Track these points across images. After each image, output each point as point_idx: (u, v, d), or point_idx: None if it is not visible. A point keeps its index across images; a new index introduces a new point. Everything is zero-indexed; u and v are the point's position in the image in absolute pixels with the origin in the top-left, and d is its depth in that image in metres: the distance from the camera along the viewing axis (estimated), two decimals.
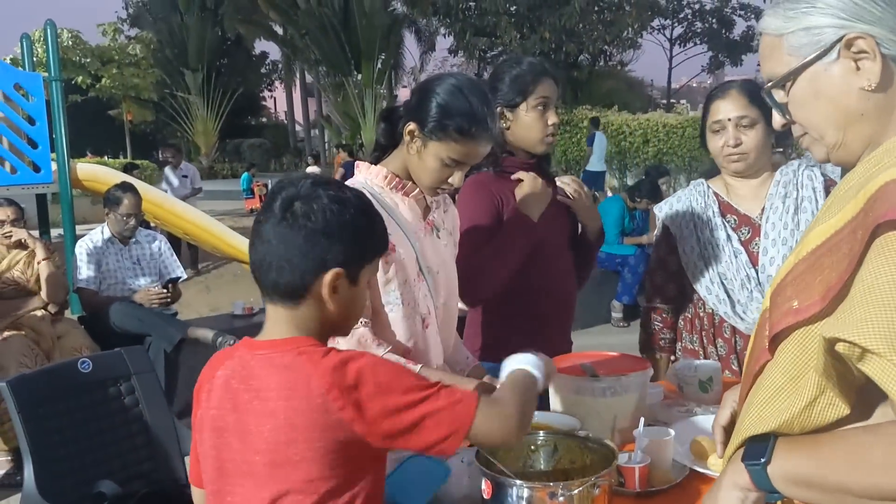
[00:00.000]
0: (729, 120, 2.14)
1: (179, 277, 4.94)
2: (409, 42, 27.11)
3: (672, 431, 1.66)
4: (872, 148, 1.05)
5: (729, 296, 2.21)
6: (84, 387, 2.38)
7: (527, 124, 2.21)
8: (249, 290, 4.80)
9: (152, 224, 7.46)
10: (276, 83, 35.93)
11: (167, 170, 9.73)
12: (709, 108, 2.21)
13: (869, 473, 0.90)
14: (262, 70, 33.52)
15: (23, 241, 4.28)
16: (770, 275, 2.14)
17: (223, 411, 1.26)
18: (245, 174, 16.71)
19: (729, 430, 1.26)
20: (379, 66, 21.38)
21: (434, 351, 1.90)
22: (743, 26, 30.35)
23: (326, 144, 27.43)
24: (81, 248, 4.63)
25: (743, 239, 2.22)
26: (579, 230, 2.47)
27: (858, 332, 0.87)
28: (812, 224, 1.06)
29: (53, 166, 6.45)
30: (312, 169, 14.85)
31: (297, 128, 36.13)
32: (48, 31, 6.62)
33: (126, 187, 4.81)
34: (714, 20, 30.78)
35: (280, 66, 33.12)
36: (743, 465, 1.01)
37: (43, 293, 4.27)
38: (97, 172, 7.24)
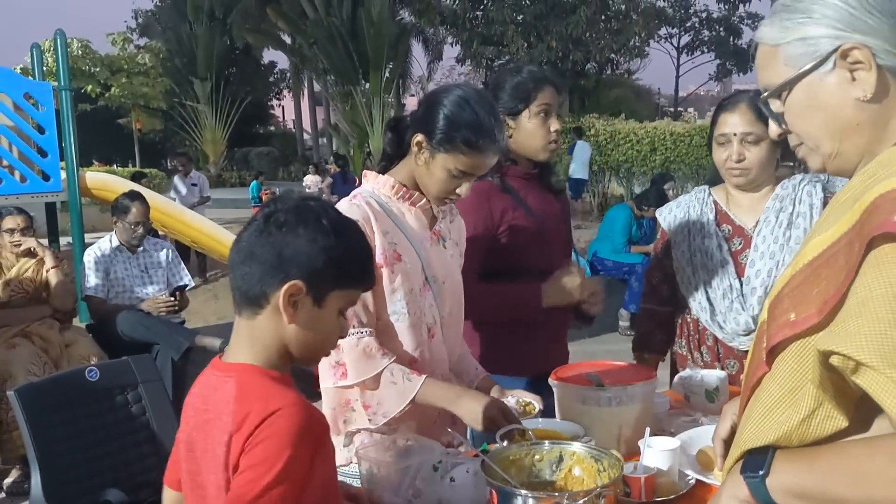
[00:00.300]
0: (735, 135, 2.15)
1: (187, 286, 4.95)
2: (417, 51, 27.17)
3: (678, 441, 1.66)
4: (868, 158, 1.05)
5: (711, 304, 2.24)
6: (91, 395, 2.39)
7: (529, 132, 2.21)
8: None
9: (160, 232, 7.49)
10: (285, 92, 36.04)
11: (176, 178, 9.77)
12: (717, 118, 2.22)
13: (867, 486, 0.90)
14: (271, 79, 33.62)
15: (32, 249, 4.30)
16: (754, 287, 2.17)
17: (190, 427, 1.28)
18: (254, 182, 16.73)
19: (729, 442, 1.25)
20: (387, 75, 21.41)
21: (439, 361, 1.91)
22: (750, 34, 30.28)
23: (334, 153, 27.49)
24: (89, 257, 4.66)
25: (734, 249, 2.24)
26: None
27: (852, 344, 0.87)
28: (809, 236, 1.06)
29: (63, 175, 6.48)
30: (311, 178, 14.87)
31: (306, 136, 36.23)
32: (58, 40, 6.66)
33: (134, 196, 4.83)
34: (721, 28, 30.77)
35: (288, 75, 33.22)
36: (742, 478, 1.01)
37: (51, 301, 4.30)
38: (106, 181, 7.27)
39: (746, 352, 1.69)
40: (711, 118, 2.30)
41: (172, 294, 4.75)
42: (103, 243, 4.72)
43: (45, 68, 7.56)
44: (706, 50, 31.98)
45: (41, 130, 6.29)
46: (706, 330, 2.27)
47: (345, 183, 12.69)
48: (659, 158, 15.03)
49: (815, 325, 0.95)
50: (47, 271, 4.31)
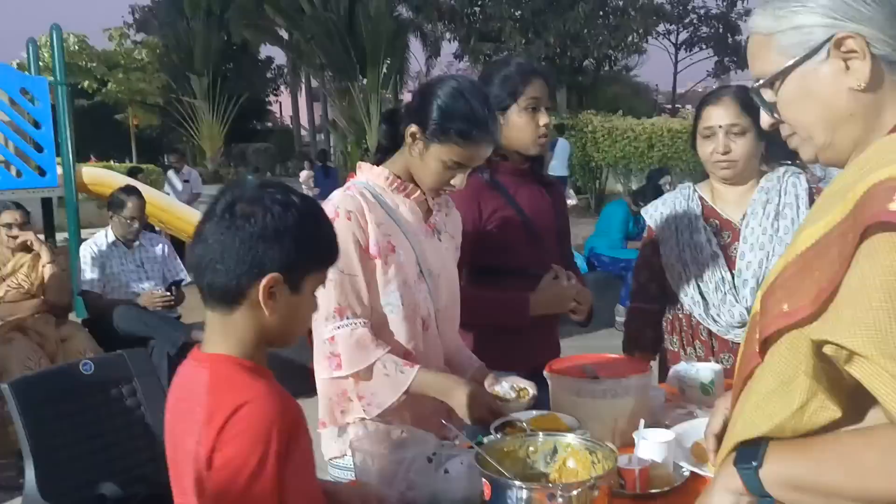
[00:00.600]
0: (720, 127, 2.16)
1: (183, 280, 4.94)
2: (415, 47, 27.08)
3: (673, 433, 1.66)
4: (861, 148, 1.04)
5: (704, 298, 2.24)
6: (86, 389, 2.39)
7: (518, 126, 2.20)
8: None
9: (156, 227, 7.48)
10: (282, 88, 35.98)
11: (170, 173, 9.79)
12: (701, 112, 2.24)
13: (861, 477, 0.89)
14: (268, 75, 33.56)
15: (29, 243, 4.29)
16: (746, 279, 2.18)
17: (171, 416, 1.28)
18: (250, 178, 16.76)
19: (721, 437, 1.25)
20: (384, 70, 21.39)
21: (434, 353, 1.90)
22: (748, 31, 30.28)
23: (332, 149, 27.45)
24: (85, 252, 4.65)
25: (723, 243, 2.25)
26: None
27: (846, 334, 0.87)
28: (801, 226, 1.06)
29: (59, 170, 6.47)
30: (306, 173, 14.85)
31: (303, 132, 36.20)
32: (54, 35, 6.64)
33: (130, 190, 4.83)
34: (719, 25, 30.74)
35: (286, 70, 33.18)
36: (735, 469, 1.01)
37: (48, 296, 4.29)
38: (102, 176, 7.27)
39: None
40: (695, 114, 2.31)
41: (168, 289, 4.75)
42: (99, 238, 4.72)
43: (41, 63, 7.54)
44: (704, 46, 31.94)
45: (37, 126, 6.28)
46: (699, 325, 2.27)
47: (326, 177, 12.72)
48: (656, 155, 15.00)
49: (808, 315, 0.94)
50: (44, 266, 4.30)
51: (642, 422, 1.66)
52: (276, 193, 1.23)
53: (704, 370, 2.04)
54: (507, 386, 1.88)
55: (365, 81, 21.17)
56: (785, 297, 0.99)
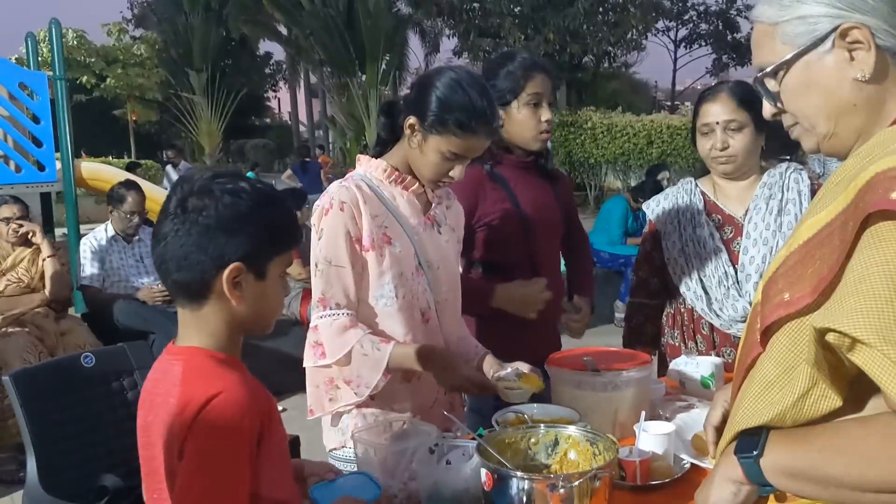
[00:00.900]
0: (717, 123, 2.17)
1: None
2: (414, 43, 27.04)
3: (673, 426, 1.67)
4: (863, 140, 1.04)
5: (706, 292, 2.24)
6: (87, 381, 2.39)
7: (520, 122, 2.21)
8: None
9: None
10: (281, 84, 35.91)
11: (168, 168, 9.82)
12: (699, 109, 2.25)
13: (862, 466, 0.90)
14: (267, 70, 33.50)
15: (32, 234, 4.29)
16: (749, 274, 2.19)
17: (145, 412, 1.28)
18: (250, 174, 16.74)
19: (720, 430, 1.26)
20: (383, 66, 21.36)
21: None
22: (748, 28, 30.22)
23: (331, 145, 27.43)
24: (85, 246, 4.65)
25: (725, 238, 2.26)
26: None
27: (848, 321, 0.87)
28: (804, 217, 1.06)
29: (58, 165, 6.46)
30: (288, 172, 14.84)
31: (302, 128, 36.15)
32: (53, 30, 6.63)
33: (130, 185, 4.83)
34: (718, 22, 30.71)
35: (284, 66, 33.11)
36: (735, 458, 1.01)
37: (47, 290, 4.29)
38: (101, 171, 7.27)
39: None
40: (693, 110, 2.31)
41: None
42: (99, 233, 4.71)
43: (40, 58, 7.52)
44: (703, 43, 31.91)
45: (36, 120, 6.28)
46: (701, 319, 2.28)
47: (304, 173, 12.69)
48: (655, 152, 14.99)
49: (809, 304, 0.94)
50: (44, 260, 4.30)
51: (643, 414, 1.66)
52: (227, 183, 1.22)
53: (704, 363, 2.05)
54: (511, 371, 1.88)
55: (364, 77, 21.14)
56: (787, 286, 0.99)
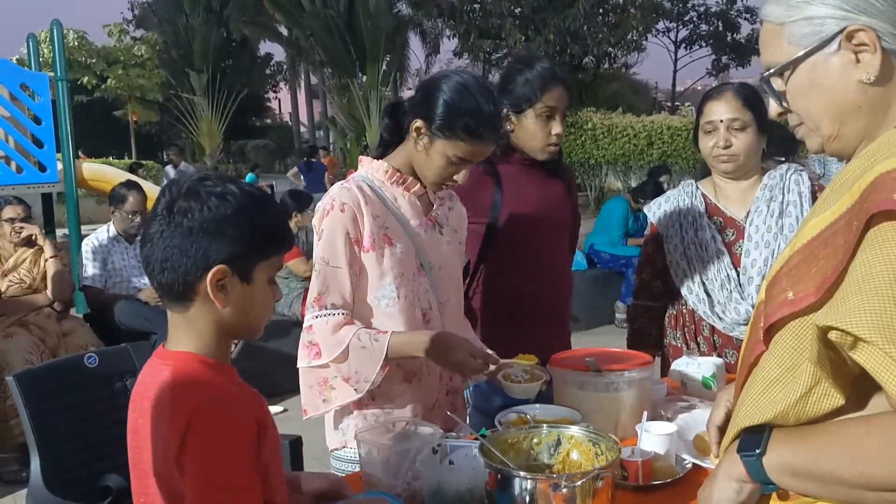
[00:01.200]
0: (721, 121, 2.18)
1: None
2: (414, 44, 27.16)
3: (675, 426, 1.67)
4: (867, 141, 1.05)
5: (709, 295, 2.25)
6: (90, 381, 2.39)
7: (530, 132, 2.21)
8: None
9: None
10: (281, 84, 35.94)
11: (168, 168, 9.85)
12: (703, 108, 2.25)
13: (864, 465, 0.90)
14: (267, 71, 33.51)
15: (34, 236, 4.30)
16: (751, 276, 2.19)
17: (135, 415, 1.28)
18: (250, 175, 16.72)
19: (723, 429, 1.26)
20: (384, 67, 21.38)
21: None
22: (748, 29, 30.25)
23: (332, 146, 27.45)
24: (87, 246, 4.65)
25: (727, 240, 2.26)
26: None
27: (851, 320, 0.88)
28: (807, 217, 1.07)
29: (59, 166, 6.47)
30: (293, 170, 14.85)
31: (302, 129, 36.17)
32: (54, 31, 6.64)
33: (131, 185, 4.84)
34: (719, 23, 30.70)
35: (285, 67, 33.14)
36: (738, 457, 1.02)
37: (49, 291, 4.29)
38: (103, 172, 7.27)
39: None
40: (697, 109, 2.32)
41: None
42: (101, 233, 4.72)
43: (41, 59, 7.53)
44: (704, 44, 31.91)
45: (37, 121, 6.28)
46: (703, 321, 2.28)
47: (309, 171, 12.75)
48: (656, 152, 15.00)
49: (813, 303, 0.95)
50: (46, 261, 4.30)
51: (645, 414, 1.67)
52: (215, 186, 1.21)
53: (706, 364, 2.05)
54: (518, 369, 1.88)
55: (364, 78, 21.15)
56: (790, 285, 1.00)
